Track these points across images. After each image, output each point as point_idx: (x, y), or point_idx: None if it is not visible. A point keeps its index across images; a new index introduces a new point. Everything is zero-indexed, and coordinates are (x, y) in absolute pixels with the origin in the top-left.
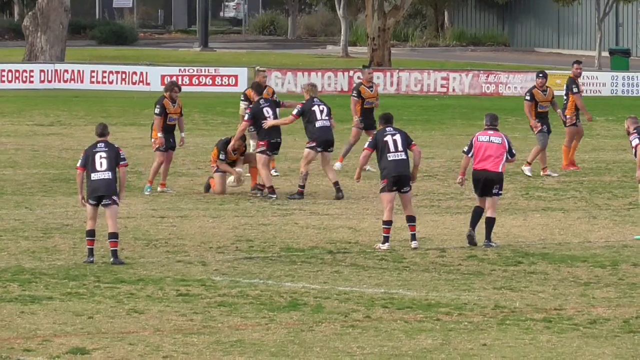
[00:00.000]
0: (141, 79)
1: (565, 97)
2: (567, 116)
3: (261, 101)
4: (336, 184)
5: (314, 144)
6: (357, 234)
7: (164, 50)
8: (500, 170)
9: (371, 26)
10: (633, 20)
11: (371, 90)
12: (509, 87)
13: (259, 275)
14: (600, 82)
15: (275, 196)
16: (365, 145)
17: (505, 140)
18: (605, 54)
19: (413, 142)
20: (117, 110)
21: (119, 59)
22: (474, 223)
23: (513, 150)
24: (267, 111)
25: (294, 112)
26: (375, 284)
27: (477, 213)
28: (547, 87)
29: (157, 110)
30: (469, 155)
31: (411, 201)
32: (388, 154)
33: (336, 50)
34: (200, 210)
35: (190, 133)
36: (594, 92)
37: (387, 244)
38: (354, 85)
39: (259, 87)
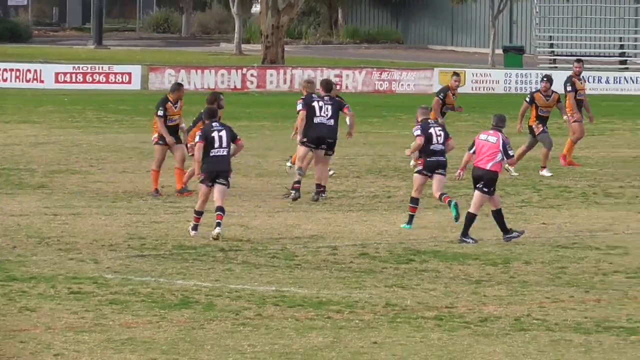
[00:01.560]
0: (35, 77)
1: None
2: (567, 115)
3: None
4: (318, 186)
5: (305, 140)
6: (249, 231)
7: (58, 48)
8: (488, 168)
9: (265, 23)
10: (527, 17)
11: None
12: (402, 85)
13: (150, 273)
14: (493, 80)
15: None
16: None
17: (501, 141)
18: (499, 51)
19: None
20: (11, 107)
21: (14, 56)
22: (467, 224)
23: (509, 152)
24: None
25: (298, 107)
26: (267, 282)
27: (495, 216)
28: (552, 91)
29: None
30: (471, 152)
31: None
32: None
33: (230, 48)
34: (93, 207)
35: (84, 131)
36: (487, 89)
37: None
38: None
39: (327, 84)
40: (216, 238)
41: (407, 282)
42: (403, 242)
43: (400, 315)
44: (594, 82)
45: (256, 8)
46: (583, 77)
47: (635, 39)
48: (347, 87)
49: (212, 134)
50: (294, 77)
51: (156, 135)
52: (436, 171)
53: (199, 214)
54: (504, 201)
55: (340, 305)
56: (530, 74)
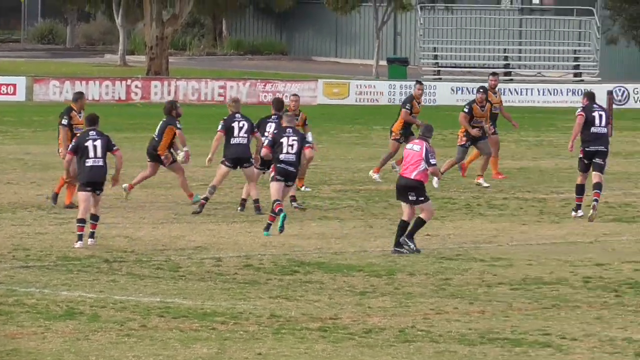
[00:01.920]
0: None
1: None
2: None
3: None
4: (256, 201)
5: (223, 159)
6: (133, 243)
7: None
8: (412, 177)
9: (149, 35)
10: (411, 29)
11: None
12: (286, 96)
13: (35, 284)
14: (377, 91)
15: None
16: None
17: (424, 149)
18: (383, 62)
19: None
20: None
21: None
22: (400, 234)
23: (431, 160)
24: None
25: (218, 127)
26: (152, 293)
27: (400, 226)
28: (486, 102)
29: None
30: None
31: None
32: None
33: (114, 59)
34: None
35: None
36: (371, 100)
37: None
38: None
39: (278, 103)
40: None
41: (292, 294)
42: (287, 254)
43: (285, 326)
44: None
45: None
46: (499, 89)
47: (520, 50)
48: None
49: (86, 143)
50: (179, 89)
51: (64, 147)
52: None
53: (82, 222)
54: (388, 213)
55: (224, 316)
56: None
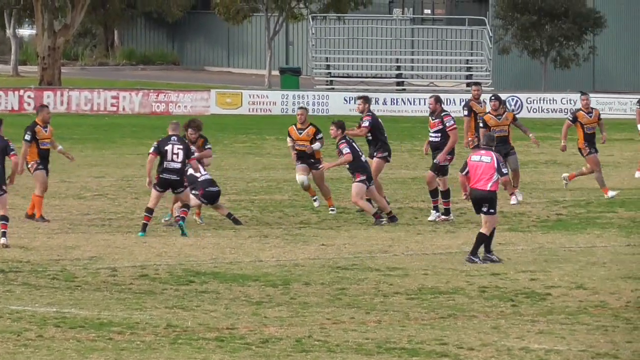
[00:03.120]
0: None
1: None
2: (469, 139)
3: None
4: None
5: (364, 178)
6: (29, 252)
7: None
8: (489, 189)
9: (41, 45)
10: (303, 38)
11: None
12: (178, 106)
13: None
14: (270, 101)
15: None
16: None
17: (495, 159)
18: (276, 72)
19: None
20: None
21: None
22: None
23: (503, 170)
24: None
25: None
26: (48, 303)
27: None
28: (502, 108)
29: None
30: (464, 173)
31: None
32: None
33: (6, 69)
34: None
35: None
36: (264, 110)
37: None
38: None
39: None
40: (7, 246)
41: (188, 304)
42: (183, 264)
43: (182, 336)
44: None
45: (32, 30)
46: (483, 100)
47: (412, 60)
48: (124, 108)
49: None
50: (71, 99)
51: (33, 162)
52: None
53: None
54: (283, 222)
55: (121, 326)
56: (307, 95)
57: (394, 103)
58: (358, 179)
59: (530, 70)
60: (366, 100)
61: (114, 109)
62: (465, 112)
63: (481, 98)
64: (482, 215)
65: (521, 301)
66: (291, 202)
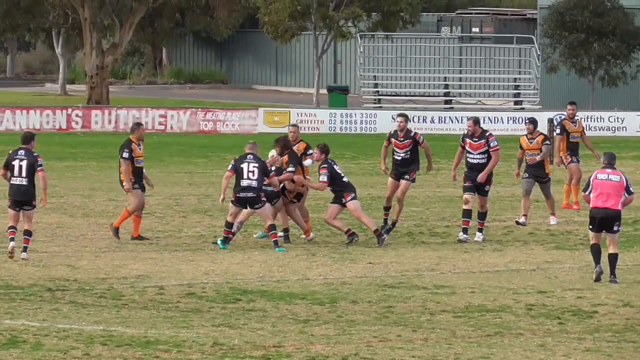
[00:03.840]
0: None
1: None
2: (561, 156)
3: (329, 159)
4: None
5: (353, 194)
6: (76, 271)
7: None
8: (620, 208)
9: (89, 64)
10: (351, 57)
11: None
12: (226, 125)
13: None
14: (318, 120)
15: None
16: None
17: (624, 179)
18: (324, 91)
19: None
20: None
21: None
22: (597, 259)
23: (631, 188)
24: (338, 168)
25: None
26: (94, 322)
27: (597, 250)
28: (537, 133)
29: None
30: (587, 193)
31: None
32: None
33: (55, 88)
34: None
35: None
36: (312, 129)
37: None
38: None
39: (325, 148)
40: (25, 259)
41: (235, 322)
42: (230, 282)
43: (228, 354)
44: (419, 121)
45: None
46: (578, 118)
47: (460, 79)
48: (171, 127)
49: (13, 162)
50: (119, 118)
51: (128, 180)
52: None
53: (13, 227)
54: (330, 241)
55: (167, 344)
56: (355, 113)
57: (441, 121)
58: (348, 199)
59: (578, 89)
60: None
61: (162, 127)
62: (558, 131)
63: (576, 117)
64: (609, 235)
65: (568, 319)
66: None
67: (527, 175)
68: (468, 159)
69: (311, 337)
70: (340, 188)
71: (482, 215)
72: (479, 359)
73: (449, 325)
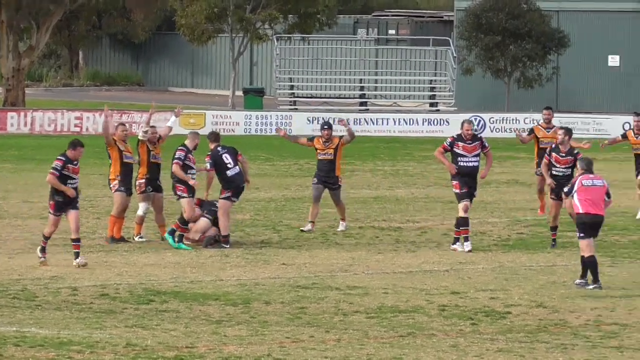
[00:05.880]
0: None
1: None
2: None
3: (219, 148)
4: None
5: (229, 194)
6: None
7: None
8: (604, 214)
9: (6, 66)
10: (267, 59)
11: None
12: (142, 126)
13: None
14: (234, 122)
15: (228, 246)
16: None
17: (606, 184)
18: (240, 93)
19: None
20: None
21: None
22: (595, 273)
23: (610, 193)
24: (226, 157)
25: (208, 166)
26: (8, 322)
27: (595, 262)
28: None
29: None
30: (570, 196)
31: None
32: None
33: None
34: None
35: None
36: (227, 130)
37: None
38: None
39: (214, 134)
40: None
41: (148, 323)
42: (143, 283)
43: (141, 355)
44: (334, 123)
45: None
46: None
47: (376, 81)
48: (87, 129)
49: None
50: (35, 120)
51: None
52: None
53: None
54: (244, 242)
55: (81, 345)
56: (270, 115)
57: (357, 123)
58: (223, 195)
59: (493, 91)
60: None
61: (78, 129)
62: (525, 133)
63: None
64: (590, 240)
65: (481, 320)
66: (252, 222)
67: (315, 181)
68: (461, 163)
69: (224, 338)
70: (221, 182)
71: (466, 222)
72: (392, 359)
73: (361, 326)
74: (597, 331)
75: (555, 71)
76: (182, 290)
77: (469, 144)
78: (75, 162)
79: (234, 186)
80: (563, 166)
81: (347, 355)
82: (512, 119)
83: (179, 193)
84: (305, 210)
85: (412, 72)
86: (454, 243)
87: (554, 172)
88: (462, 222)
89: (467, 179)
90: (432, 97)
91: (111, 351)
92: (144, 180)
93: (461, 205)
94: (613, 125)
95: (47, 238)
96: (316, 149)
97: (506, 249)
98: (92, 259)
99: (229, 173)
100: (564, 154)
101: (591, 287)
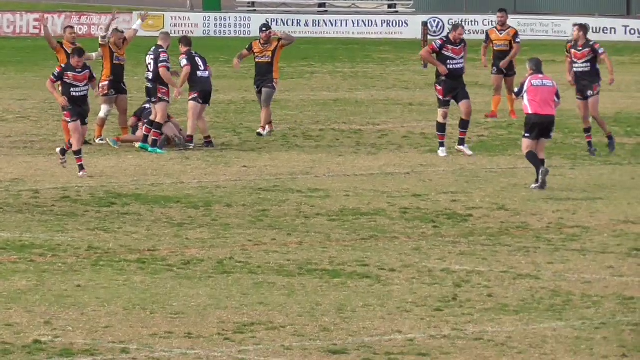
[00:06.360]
0: None
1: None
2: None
3: (192, 52)
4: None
5: (196, 95)
6: None
7: None
8: (554, 114)
9: None
10: None
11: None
12: (101, 28)
13: None
14: (192, 23)
15: (192, 145)
16: None
17: (555, 84)
18: None
19: None
20: None
21: None
22: (538, 162)
23: (559, 94)
24: (198, 60)
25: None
26: None
27: (534, 155)
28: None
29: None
30: (518, 96)
31: None
32: None
33: None
34: None
35: None
36: (186, 32)
37: None
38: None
39: (187, 39)
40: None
41: (109, 225)
42: (105, 186)
43: (103, 258)
44: (293, 25)
45: None
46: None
47: None
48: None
49: None
50: None
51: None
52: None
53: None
54: (203, 145)
55: (43, 248)
56: (229, 17)
57: (315, 25)
58: (190, 97)
59: None
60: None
61: (37, 31)
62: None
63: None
64: (542, 140)
65: (442, 222)
66: (212, 125)
67: (256, 89)
68: (450, 66)
69: (186, 241)
70: (190, 83)
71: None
72: (354, 262)
73: (323, 229)
74: (559, 234)
75: None
76: (143, 193)
77: (457, 46)
78: (79, 70)
79: (201, 88)
80: (581, 60)
81: (309, 258)
82: (472, 21)
83: (159, 95)
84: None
85: None
86: (460, 144)
87: (574, 70)
88: (440, 128)
89: (453, 82)
90: None
91: (73, 254)
92: (107, 83)
93: (441, 111)
94: (571, 27)
95: (77, 153)
96: (254, 54)
97: None
98: (52, 162)
99: (199, 74)
100: (581, 48)
101: (533, 186)
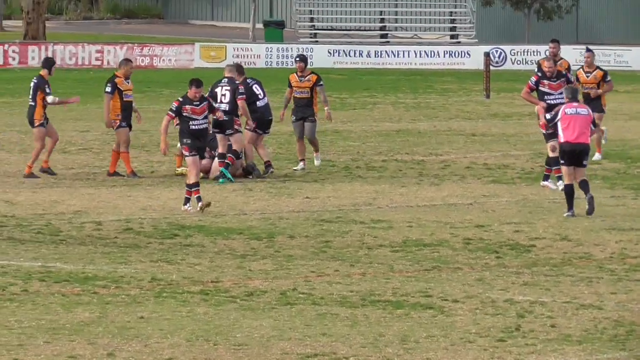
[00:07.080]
0: None
1: None
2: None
3: (248, 79)
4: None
5: (254, 126)
6: (13, 207)
7: None
8: (588, 142)
9: (25, 0)
10: None
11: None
12: (163, 60)
13: None
14: (255, 54)
15: (272, 169)
16: None
17: (591, 113)
18: (260, 25)
19: None
20: None
21: None
22: (571, 203)
23: (595, 122)
24: (257, 88)
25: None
26: (32, 257)
27: (571, 192)
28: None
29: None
30: (551, 124)
31: None
32: None
33: None
34: None
35: None
36: (249, 63)
37: None
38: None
39: (240, 67)
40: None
41: (172, 257)
42: (167, 217)
43: (166, 289)
44: (355, 56)
45: None
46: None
47: (396, 13)
48: (108, 62)
49: None
50: (56, 53)
51: (116, 117)
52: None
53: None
54: (268, 175)
55: (106, 280)
56: (291, 48)
57: (377, 56)
58: (248, 127)
59: (513, 22)
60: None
61: (99, 62)
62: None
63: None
64: (578, 169)
65: (505, 253)
66: (276, 156)
67: (294, 119)
68: (549, 101)
69: (249, 272)
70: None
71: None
72: (417, 293)
73: (386, 260)
74: (622, 264)
75: (575, 2)
76: (206, 225)
77: (554, 81)
78: (197, 103)
79: (260, 117)
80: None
81: (372, 289)
82: (533, 51)
83: (236, 127)
84: (328, 144)
85: (432, 4)
86: (544, 180)
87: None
88: (552, 162)
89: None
90: (453, 28)
91: (136, 286)
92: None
93: (549, 145)
94: (634, 56)
95: (191, 186)
96: (292, 87)
97: (529, 182)
98: (114, 194)
99: (258, 104)
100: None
101: (565, 214)
